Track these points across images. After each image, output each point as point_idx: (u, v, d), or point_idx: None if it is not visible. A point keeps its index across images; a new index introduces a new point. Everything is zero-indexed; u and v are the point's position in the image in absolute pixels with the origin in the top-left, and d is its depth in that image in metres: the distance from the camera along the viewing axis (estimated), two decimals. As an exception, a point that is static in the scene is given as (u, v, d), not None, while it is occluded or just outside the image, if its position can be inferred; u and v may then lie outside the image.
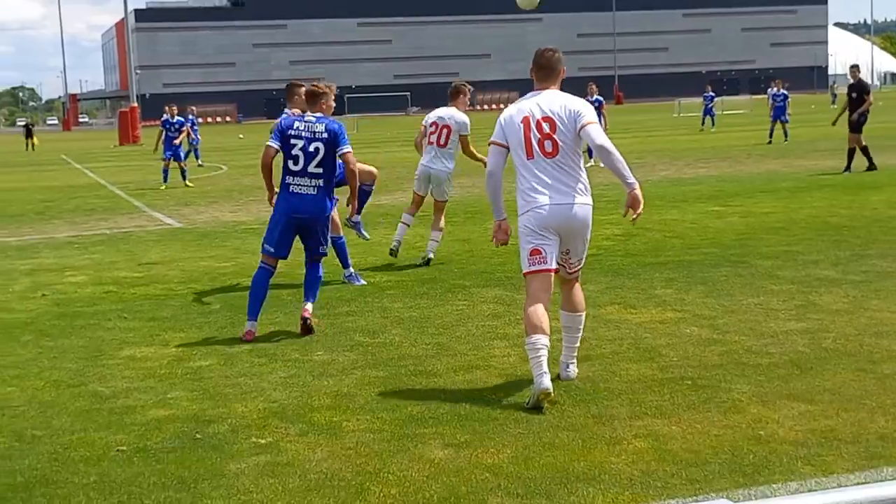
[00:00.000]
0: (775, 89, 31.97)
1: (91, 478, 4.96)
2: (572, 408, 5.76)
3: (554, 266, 6.29)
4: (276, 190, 8.29)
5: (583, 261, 6.62)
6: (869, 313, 7.74)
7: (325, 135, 8.02)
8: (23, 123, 61.34)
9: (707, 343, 7.11)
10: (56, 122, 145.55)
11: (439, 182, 11.41)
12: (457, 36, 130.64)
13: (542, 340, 5.98)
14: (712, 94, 45.45)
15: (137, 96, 66.14)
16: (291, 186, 8.05)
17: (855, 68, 21.43)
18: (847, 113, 20.38)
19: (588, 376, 6.40)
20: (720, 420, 5.42)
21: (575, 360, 6.51)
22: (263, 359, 7.20)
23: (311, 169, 8.01)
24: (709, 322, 7.74)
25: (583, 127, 6.20)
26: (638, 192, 6.21)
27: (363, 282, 10.10)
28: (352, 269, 10.25)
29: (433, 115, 11.47)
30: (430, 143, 11.43)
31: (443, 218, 11.55)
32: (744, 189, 17.38)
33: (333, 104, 8.50)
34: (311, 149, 7.99)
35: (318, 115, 8.19)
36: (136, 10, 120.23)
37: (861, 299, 8.25)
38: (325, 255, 8.37)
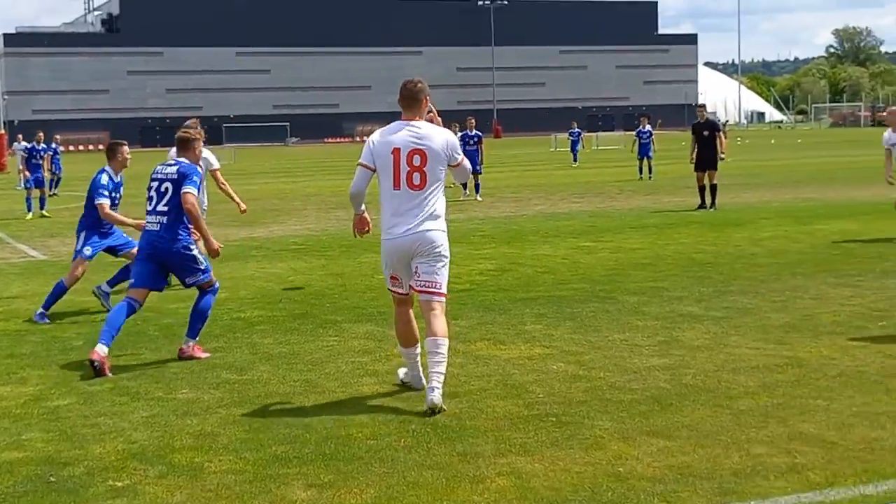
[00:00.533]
0: (641, 126, 32.90)
1: (-64, 526, 4.77)
2: (438, 446, 5.77)
3: (403, 289, 6.89)
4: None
5: (441, 284, 6.87)
6: (728, 349, 7.97)
7: (174, 175, 8.33)
8: None
9: (573, 379, 7.21)
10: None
11: None
12: (337, 67, 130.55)
13: (414, 351, 6.87)
14: (578, 130, 46.40)
15: (5, 122, 64.27)
16: (147, 224, 8.44)
17: (702, 108, 22.22)
18: (697, 150, 20.94)
19: (455, 413, 6.42)
20: (582, 457, 5.50)
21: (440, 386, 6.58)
22: (125, 397, 7.03)
23: (159, 207, 8.32)
24: (575, 358, 7.85)
25: (457, 165, 6.86)
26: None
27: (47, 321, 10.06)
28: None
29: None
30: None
31: None
32: (614, 225, 17.75)
33: (201, 151, 8.99)
34: (162, 189, 8.38)
35: (181, 160, 8.57)
36: (4, 35, 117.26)
37: (721, 335, 8.49)
38: (207, 282, 8.45)
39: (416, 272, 6.79)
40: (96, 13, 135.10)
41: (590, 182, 31.16)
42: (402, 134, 6.73)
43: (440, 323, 6.78)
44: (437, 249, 6.78)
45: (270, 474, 5.36)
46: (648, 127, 32.70)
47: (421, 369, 7.00)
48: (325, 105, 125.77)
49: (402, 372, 7.25)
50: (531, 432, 5.97)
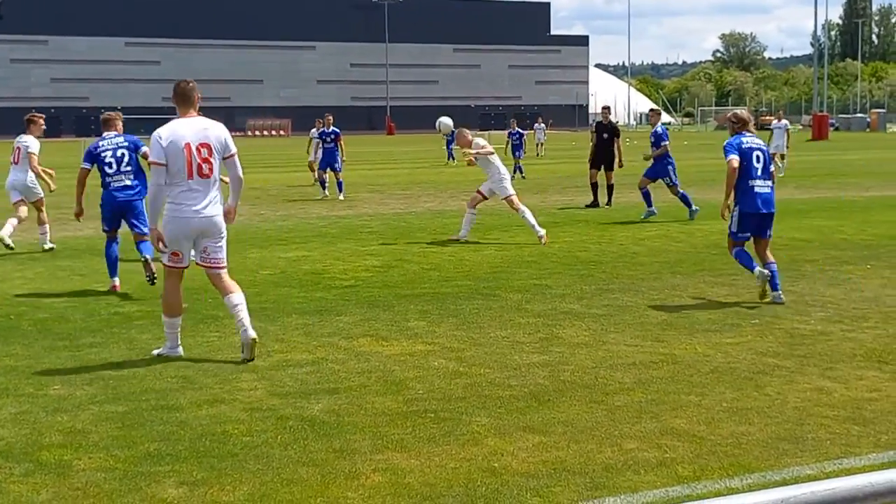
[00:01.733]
0: (511, 128, 35.84)
1: None
2: (314, 442, 5.74)
3: (185, 264, 7.94)
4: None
5: (223, 260, 8.05)
6: (607, 346, 8.10)
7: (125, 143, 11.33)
8: None
9: (453, 375, 7.24)
10: None
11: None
12: (229, 60, 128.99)
13: (178, 321, 7.93)
14: (519, 130, 40.31)
15: None
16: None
17: (606, 110, 22.55)
18: (595, 149, 21.31)
19: (333, 409, 6.40)
20: (458, 453, 5.53)
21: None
22: (-5, 394, 6.83)
23: (122, 168, 11.17)
24: (456, 354, 7.89)
25: (230, 157, 7.90)
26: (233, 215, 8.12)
27: None
28: None
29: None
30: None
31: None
32: (501, 222, 17.88)
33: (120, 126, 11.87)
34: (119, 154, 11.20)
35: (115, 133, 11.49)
36: None
37: (601, 332, 8.62)
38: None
39: (205, 251, 7.91)
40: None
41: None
42: (185, 129, 7.75)
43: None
44: (223, 231, 7.97)
45: (142, 472, 5.26)
46: (518, 129, 35.58)
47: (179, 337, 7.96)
48: (216, 98, 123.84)
49: (158, 351, 7.96)
50: (409, 428, 5.99)
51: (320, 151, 24.75)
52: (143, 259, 10.78)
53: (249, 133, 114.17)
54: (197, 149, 7.64)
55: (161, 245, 7.75)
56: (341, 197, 23.96)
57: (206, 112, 8.27)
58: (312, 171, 26.75)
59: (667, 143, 18.93)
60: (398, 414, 6.30)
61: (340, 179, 24.48)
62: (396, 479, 5.14)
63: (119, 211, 11.09)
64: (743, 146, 10.10)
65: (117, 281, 11.06)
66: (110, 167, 11.08)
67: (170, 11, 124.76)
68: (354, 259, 13.43)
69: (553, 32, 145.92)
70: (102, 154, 11.15)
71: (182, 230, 7.73)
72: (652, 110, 20.77)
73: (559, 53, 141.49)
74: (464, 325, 9.00)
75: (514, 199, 15.31)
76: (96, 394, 6.83)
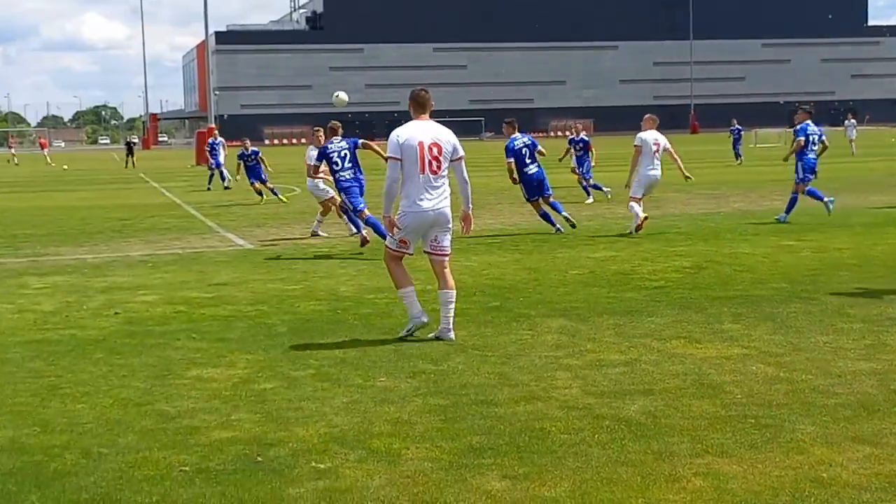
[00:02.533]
0: (573, 135, 26.85)
1: (153, 497, 5.05)
2: (632, 443, 5.73)
3: (411, 251, 8.87)
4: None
5: (448, 248, 8.91)
6: (941, 355, 7.59)
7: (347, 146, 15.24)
8: (127, 141, 64.05)
9: (773, 381, 7.02)
10: (136, 140, 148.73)
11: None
12: (532, 62, 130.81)
13: (410, 290, 8.82)
14: (738, 127, 44.24)
15: (215, 117, 67.18)
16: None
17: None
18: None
19: (649, 411, 6.35)
20: (782, 460, 5.35)
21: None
22: (326, 383, 7.26)
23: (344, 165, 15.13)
24: (775, 359, 7.64)
25: (458, 160, 8.76)
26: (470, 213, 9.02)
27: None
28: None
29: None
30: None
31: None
32: (818, 223, 17.14)
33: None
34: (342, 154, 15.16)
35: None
36: (216, 33, 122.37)
37: (934, 340, 8.09)
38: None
39: (435, 240, 8.79)
40: (301, 11, 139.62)
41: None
42: (419, 130, 8.59)
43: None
44: (451, 223, 8.83)
45: (466, 463, 5.44)
46: (583, 136, 26.82)
47: (417, 303, 8.85)
48: (519, 100, 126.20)
49: (406, 329, 8.84)
50: (729, 433, 5.85)
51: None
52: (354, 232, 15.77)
53: (551, 134, 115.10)
54: (429, 147, 8.51)
55: (395, 230, 8.66)
56: (589, 200, 23.78)
57: (511, 113, 8.53)
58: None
59: None
60: (717, 418, 6.17)
61: (590, 185, 24.52)
62: (719, 484, 5.04)
63: (351, 189, 15.08)
64: None
65: (364, 233, 15.11)
66: (337, 165, 15.03)
67: (475, 17, 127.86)
68: (663, 260, 13.29)
69: (871, 23, 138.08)
70: (331, 154, 15.07)
71: (418, 223, 8.64)
72: None
73: (878, 45, 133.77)
74: (781, 329, 8.69)
75: None
76: (419, 386, 7.12)
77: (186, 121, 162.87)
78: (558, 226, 17.06)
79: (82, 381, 7.52)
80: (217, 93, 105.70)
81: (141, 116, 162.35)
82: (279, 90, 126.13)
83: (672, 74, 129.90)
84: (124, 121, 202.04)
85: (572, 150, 25.36)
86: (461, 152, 8.77)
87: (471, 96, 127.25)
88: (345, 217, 16.48)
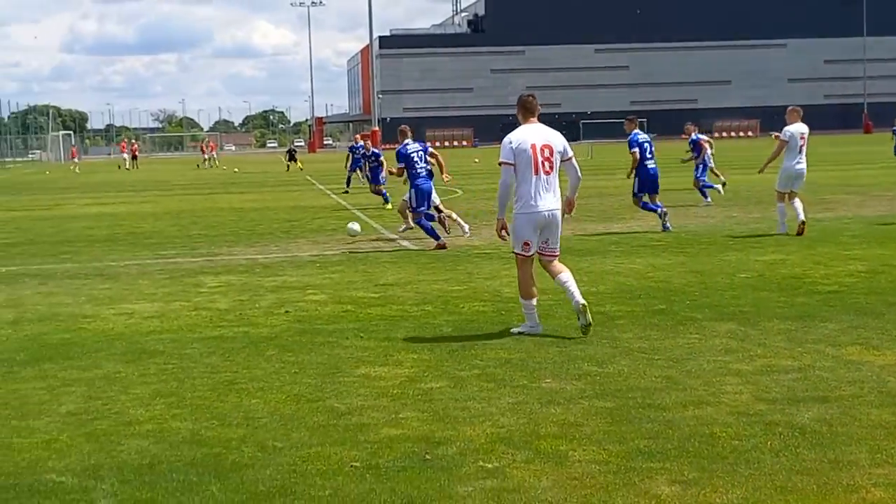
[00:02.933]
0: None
1: (326, 491, 5.18)
2: (807, 451, 5.57)
3: (533, 252, 9.06)
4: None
5: (558, 249, 9.23)
6: None
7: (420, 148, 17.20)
8: (288, 147, 65.82)
9: (958, 391, 6.71)
10: (302, 143, 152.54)
11: None
12: (696, 62, 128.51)
13: (533, 302, 9.05)
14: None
15: (379, 120, 68.36)
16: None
17: None
18: None
19: (824, 419, 6.16)
20: (970, 474, 5.11)
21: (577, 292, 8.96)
22: (492, 384, 7.31)
23: (421, 164, 17.13)
24: (960, 368, 7.30)
25: (568, 160, 9.12)
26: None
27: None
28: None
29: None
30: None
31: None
32: None
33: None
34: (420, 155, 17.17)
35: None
36: (380, 37, 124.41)
37: None
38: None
39: (546, 241, 9.07)
40: (463, 14, 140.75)
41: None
42: (530, 134, 8.98)
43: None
44: (560, 224, 9.16)
45: (633, 467, 5.38)
46: None
47: (537, 316, 9.11)
48: (682, 100, 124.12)
49: (518, 330, 9.13)
50: (911, 444, 5.63)
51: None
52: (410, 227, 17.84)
53: (716, 134, 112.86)
54: (540, 149, 8.88)
55: (503, 232, 9.15)
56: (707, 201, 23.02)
57: (674, 114, 8.43)
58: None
59: None
60: (897, 428, 5.94)
61: (706, 186, 23.77)
62: (900, 496, 4.85)
63: (429, 193, 16.94)
64: None
65: (443, 240, 16.34)
66: (417, 164, 16.90)
67: (636, 17, 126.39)
68: (836, 263, 12.86)
69: None
70: (412, 154, 16.97)
71: (532, 223, 8.93)
72: None
73: None
74: (966, 337, 8.30)
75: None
76: (585, 389, 7.09)
77: (350, 124, 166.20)
78: (667, 223, 17.64)
79: (256, 376, 7.77)
80: (380, 96, 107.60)
81: (307, 120, 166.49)
82: (440, 93, 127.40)
83: (844, 73, 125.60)
84: (291, 124, 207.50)
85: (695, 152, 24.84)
86: (570, 153, 9.18)
87: (633, 97, 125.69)
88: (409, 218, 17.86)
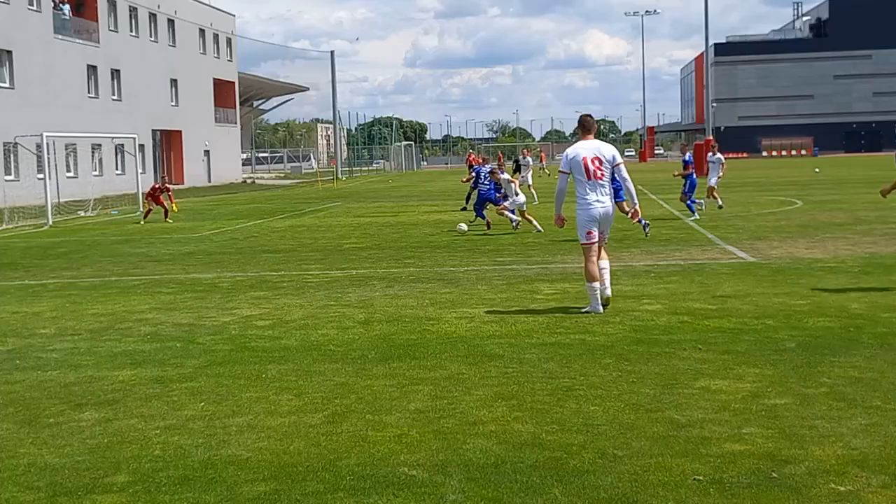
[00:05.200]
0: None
1: (669, 503, 5.12)
2: None
3: (597, 240, 11.24)
4: None
5: (606, 238, 11.50)
6: None
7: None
8: (514, 158, 64.81)
9: None
10: (633, 153, 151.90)
11: None
12: None
13: (597, 285, 11.14)
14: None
15: (712, 129, 66.95)
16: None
17: None
18: None
19: None
20: None
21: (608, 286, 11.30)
22: (842, 403, 6.96)
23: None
24: None
25: (617, 165, 11.26)
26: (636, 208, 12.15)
27: None
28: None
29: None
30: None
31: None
32: None
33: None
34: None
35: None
36: (715, 44, 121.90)
37: None
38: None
39: (602, 232, 11.30)
40: (805, 19, 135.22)
41: None
42: (584, 148, 11.21)
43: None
44: (612, 217, 11.39)
45: None
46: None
47: (598, 297, 11.15)
48: None
49: (585, 309, 11.25)
50: None
51: None
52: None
53: None
54: (592, 160, 11.10)
55: (560, 223, 11.84)
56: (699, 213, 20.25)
57: None
58: None
59: None
60: None
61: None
62: None
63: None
64: None
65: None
66: (483, 181, 24.55)
67: None
68: None
69: None
70: (481, 172, 24.39)
71: (590, 215, 11.17)
72: None
73: None
74: None
75: None
76: (946, 414, 6.60)
77: (682, 133, 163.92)
78: None
79: (594, 384, 7.81)
80: (714, 104, 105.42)
81: (637, 130, 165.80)
82: (778, 100, 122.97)
83: None
84: (621, 134, 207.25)
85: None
86: (619, 160, 11.32)
87: None
88: (507, 214, 23.69)
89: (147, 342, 10.37)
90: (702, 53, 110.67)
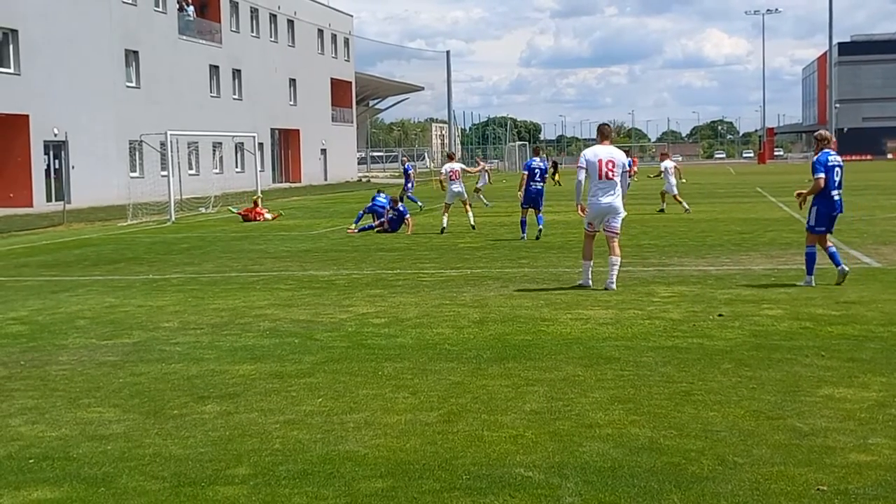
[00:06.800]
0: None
1: (791, 512, 5.01)
2: None
3: (595, 230, 13.62)
4: None
5: (617, 229, 13.63)
6: None
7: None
8: (553, 160, 62.88)
9: None
10: (751, 154, 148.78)
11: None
12: None
13: (589, 263, 13.60)
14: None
15: (835, 130, 65.29)
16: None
17: None
18: None
19: None
20: None
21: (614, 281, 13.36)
22: (974, 415, 6.71)
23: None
24: None
25: (625, 171, 13.52)
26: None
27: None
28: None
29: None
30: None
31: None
32: None
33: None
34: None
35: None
36: (839, 44, 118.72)
37: None
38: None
39: (608, 223, 13.50)
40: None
41: None
42: (601, 151, 13.46)
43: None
44: (618, 213, 13.49)
45: None
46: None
47: (591, 274, 13.59)
48: None
49: (580, 282, 13.83)
50: None
51: None
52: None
53: None
54: (605, 162, 13.31)
55: (583, 213, 13.68)
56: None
57: None
58: None
59: None
60: None
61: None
62: None
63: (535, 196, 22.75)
64: None
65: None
66: (535, 177, 22.84)
67: None
68: None
69: None
70: (534, 168, 22.81)
71: (596, 211, 13.51)
72: None
73: None
74: None
75: None
76: None
77: (803, 134, 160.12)
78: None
79: (713, 389, 7.69)
80: (838, 105, 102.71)
81: (756, 131, 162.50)
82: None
83: None
84: (740, 135, 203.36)
85: None
86: (627, 167, 13.71)
87: None
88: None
89: (266, 337, 10.57)
90: (825, 53, 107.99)
